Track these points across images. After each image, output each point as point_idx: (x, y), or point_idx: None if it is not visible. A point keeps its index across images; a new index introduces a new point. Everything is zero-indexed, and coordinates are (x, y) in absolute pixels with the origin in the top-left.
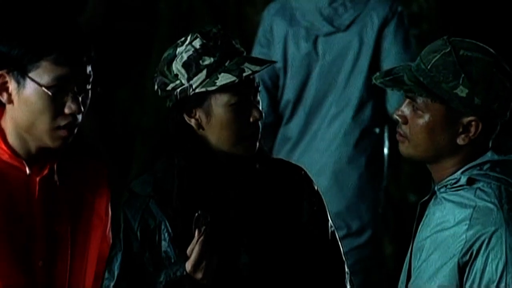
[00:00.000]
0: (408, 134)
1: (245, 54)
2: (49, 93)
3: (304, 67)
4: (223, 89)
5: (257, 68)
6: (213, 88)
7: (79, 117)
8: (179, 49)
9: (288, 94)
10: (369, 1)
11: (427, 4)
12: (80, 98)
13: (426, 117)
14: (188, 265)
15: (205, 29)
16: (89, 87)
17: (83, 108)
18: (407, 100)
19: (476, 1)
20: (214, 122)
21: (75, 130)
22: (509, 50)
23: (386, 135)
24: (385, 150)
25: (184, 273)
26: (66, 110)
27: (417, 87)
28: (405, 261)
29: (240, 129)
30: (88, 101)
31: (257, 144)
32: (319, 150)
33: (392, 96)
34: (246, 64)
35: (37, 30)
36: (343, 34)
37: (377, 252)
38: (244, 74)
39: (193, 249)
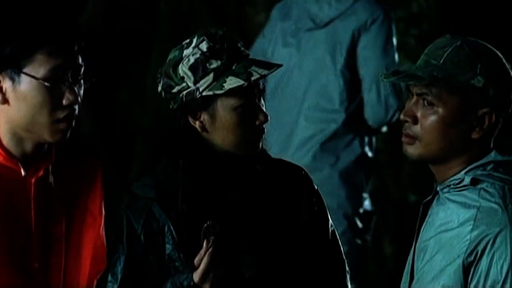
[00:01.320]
0: (419, 134)
1: (250, 56)
2: (47, 85)
3: (284, 62)
4: (229, 92)
5: (265, 72)
6: (221, 91)
7: (76, 108)
8: (185, 52)
9: (267, 88)
10: (356, 3)
11: (427, 4)
12: (76, 88)
13: (441, 111)
14: (196, 276)
15: (210, 32)
16: (81, 77)
17: (79, 98)
18: (414, 99)
19: (476, 1)
20: (219, 125)
21: (73, 123)
22: (509, 50)
23: (366, 140)
24: (369, 154)
25: (192, 283)
26: (64, 101)
27: (436, 81)
28: (407, 261)
29: (245, 132)
30: (82, 92)
31: (260, 144)
32: (293, 147)
33: (368, 104)
34: (254, 68)
35: (28, 24)
36: (321, 31)
37: (356, 254)
38: (253, 78)
39: (201, 260)
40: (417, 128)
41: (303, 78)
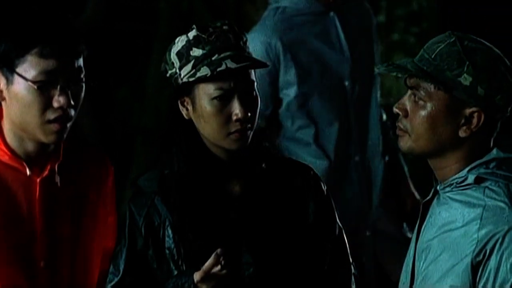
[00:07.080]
0: (408, 127)
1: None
2: (35, 87)
3: None
4: (208, 81)
5: (233, 65)
6: (192, 79)
7: (71, 110)
8: (177, 39)
9: None
10: None
11: (427, 2)
12: (69, 92)
13: (429, 106)
14: (196, 276)
15: (207, 23)
16: (81, 81)
17: (75, 102)
18: (409, 93)
19: (476, 0)
20: (197, 114)
21: (68, 124)
22: (509, 49)
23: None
24: None
25: (192, 286)
26: (55, 104)
27: (421, 73)
28: (406, 261)
29: (220, 124)
30: (82, 95)
31: (245, 140)
32: None
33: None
34: (228, 60)
35: (22, 24)
36: None
37: None
38: (218, 69)
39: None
40: (407, 122)
41: None
